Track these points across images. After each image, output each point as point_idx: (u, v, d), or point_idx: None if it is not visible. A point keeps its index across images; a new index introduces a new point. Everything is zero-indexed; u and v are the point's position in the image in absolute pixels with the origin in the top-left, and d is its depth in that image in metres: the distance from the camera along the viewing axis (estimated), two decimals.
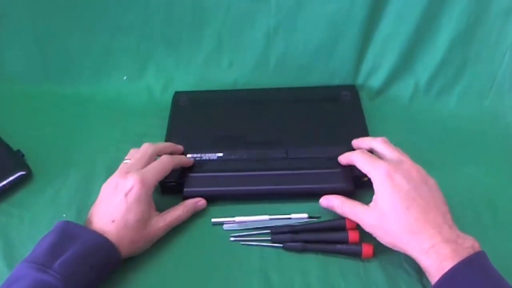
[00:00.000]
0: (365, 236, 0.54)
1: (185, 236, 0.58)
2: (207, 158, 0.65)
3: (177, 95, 0.76)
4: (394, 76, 0.75)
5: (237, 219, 0.59)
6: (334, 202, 0.56)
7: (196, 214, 0.60)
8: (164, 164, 0.58)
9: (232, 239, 0.57)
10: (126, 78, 0.80)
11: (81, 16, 0.74)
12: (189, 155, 0.65)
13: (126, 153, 0.62)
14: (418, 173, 0.52)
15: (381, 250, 0.54)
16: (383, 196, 0.51)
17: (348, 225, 0.56)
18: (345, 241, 0.55)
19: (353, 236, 0.55)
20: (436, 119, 0.73)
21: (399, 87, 0.76)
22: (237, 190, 0.61)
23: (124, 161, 0.59)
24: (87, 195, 0.62)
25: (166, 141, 0.67)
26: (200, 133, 0.69)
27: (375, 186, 0.52)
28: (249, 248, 0.56)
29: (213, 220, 0.59)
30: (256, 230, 0.58)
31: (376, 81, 0.76)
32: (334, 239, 0.56)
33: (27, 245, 0.56)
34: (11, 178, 0.63)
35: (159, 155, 0.60)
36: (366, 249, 0.54)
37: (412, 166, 0.53)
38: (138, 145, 0.62)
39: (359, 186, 0.59)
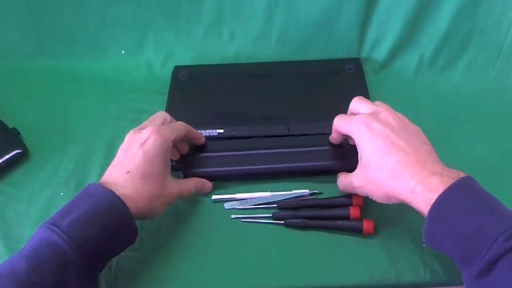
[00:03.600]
0: (368, 213, 0.54)
1: (185, 213, 0.58)
2: (208, 134, 0.64)
3: (177, 69, 0.74)
4: (399, 48, 0.74)
5: (238, 195, 0.58)
6: (337, 181, 0.57)
7: None
8: (179, 125, 0.56)
9: (233, 216, 0.57)
10: (124, 52, 0.78)
11: None
12: None
13: (124, 129, 0.60)
14: (397, 118, 0.50)
15: (382, 226, 0.54)
16: (364, 148, 0.49)
17: (354, 202, 0.56)
18: (346, 217, 0.55)
19: (354, 212, 0.55)
20: (441, 93, 0.71)
21: (403, 60, 0.74)
22: (237, 170, 0.60)
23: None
24: (86, 172, 0.62)
25: None
26: (200, 108, 0.68)
27: (356, 141, 0.51)
28: (250, 225, 0.56)
29: (214, 197, 0.59)
30: (257, 205, 0.58)
31: (380, 54, 0.75)
32: (335, 215, 0.55)
33: (24, 224, 0.57)
34: (6, 157, 0.62)
35: None
36: (367, 225, 0.54)
37: (389, 113, 0.51)
38: (137, 121, 0.59)
39: None
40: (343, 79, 0.71)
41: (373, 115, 0.51)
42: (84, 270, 0.43)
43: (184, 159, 0.60)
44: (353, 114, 0.55)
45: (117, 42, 0.77)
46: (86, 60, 0.77)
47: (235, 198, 0.58)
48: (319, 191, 0.58)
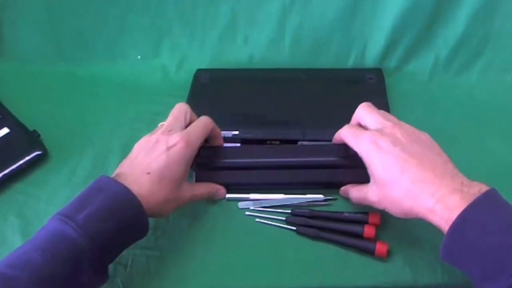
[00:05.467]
0: (384, 234, 0.53)
1: (200, 211, 0.58)
2: (223, 135, 0.63)
3: (199, 72, 0.75)
4: (414, 51, 0.73)
5: (252, 196, 0.59)
6: (345, 190, 0.56)
7: None
8: (206, 124, 0.56)
9: (247, 213, 0.57)
10: (140, 57, 0.80)
11: None
12: None
13: (140, 131, 0.61)
14: (405, 133, 0.48)
15: (398, 248, 0.52)
16: (375, 167, 0.48)
17: (371, 220, 0.54)
18: (360, 235, 0.53)
19: (369, 231, 0.53)
20: (457, 96, 0.71)
21: (418, 63, 0.74)
22: (249, 183, 0.59)
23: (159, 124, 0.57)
24: (103, 173, 0.61)
25: None
26: (218, 110, 0.67)
27: (364, 159, 0.49)
28: (264, 225, 0.56)
29: (228, 195, 0.59)
30: (271, 208, 0.58)
31: (394, 56, 0.74)
32: (348, 231, 0.54)
33: (43, 223, 0.56)
34: (27, 158, 0.63)
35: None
36: (380, 247, 0.51)
37: (396, 127, 0.49)
38: (152, 123, 0.61)
39: None
40: (363, 89, 0.71)
41: (380, 131, 0.49)
42: (97, 263, 0.44)
43: (199, 163, 0.59)
44: (359, 124, 0.54)
45: (134, 47, 0.79)
46: (104, 65, 0.79)
47: (249, 198, 0.58)
48: (333, 197, 0.58)
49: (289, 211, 0.57)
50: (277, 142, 0.64)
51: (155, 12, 0.75)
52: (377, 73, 0.73)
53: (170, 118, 0.55)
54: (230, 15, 0.74)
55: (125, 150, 0.62)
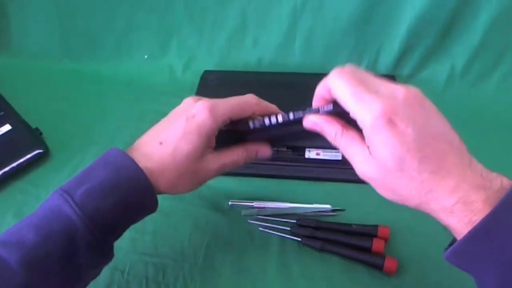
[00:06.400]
0: (393, 249, 0.52)
1: (202, 219, 0.57)
2: None
3: (206, 73, 0.75)
4: (428, 58, 0.72)
5: (256, 203, 0.57)
6: (329, 130, 0.42)
7: (214, 194, 0.58)
8: (244, 100, 0.48)
9: (250, 221, 0.56)
10: (147, 57, 0.79)
11: None
12: None
13: (144, 131, 0.60)
14: (424, 113, 0.38)
15: (408, 264, 0.50)
16: (383, 149, 0.37)
17: (380, 233, 0.52)
18: (368, 249, 0.51)
19: (377, 245, 0.51)
20: (473, 106, 0.69)
21: (433, 71, 0.72)
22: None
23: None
24: None
25: None
26: None
27: (366, 133, 0.38)
28: (268, 234, 0.55)
29: (231, 202, 0.57)
30: (276, 217, 0.56)
31: (408, 63, 0.73)
32: (356, 245, 0.52)
33: None
34: (28, 156, 0.63)
35: None
36: (389, 263, 0.50)
37: (409, 95, 0.38)
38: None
39: None
40: None
41: (392, 100, 0.37)
42: (97, 244, 0.40)
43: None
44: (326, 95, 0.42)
45: (141, 46, 0.78)
46: (110, 63, 0.78)
47: (253, 205, 0.57)
48: (341, 208, 0.56)
49: (294, 220, 0.55)
50: (285, 148, 0.63)
51: (164, 10, 0.74)
52: (390, 79, 0.71)
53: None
54: (240, 17, 0.73)
55: None
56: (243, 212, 0.56)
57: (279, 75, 0.75)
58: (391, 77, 0.73)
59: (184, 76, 0.76)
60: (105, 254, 0.42)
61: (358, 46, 0.72)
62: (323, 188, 0.59)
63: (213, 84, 0.73)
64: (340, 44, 0.72)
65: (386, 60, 0.73)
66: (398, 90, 0.38)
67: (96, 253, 0.41)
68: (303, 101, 0.67)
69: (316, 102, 0.43)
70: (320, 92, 0.42)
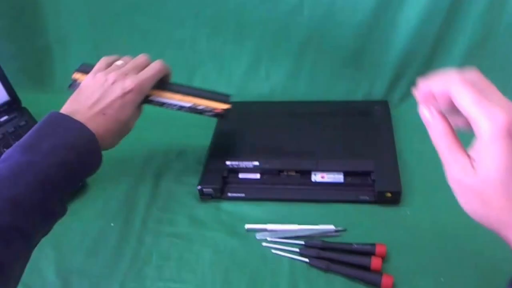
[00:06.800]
0: (390, 266, 0.56)
1: (220, 241, 0.62)
2: (244, 166, 0.69)
3: None
4: (416, 84, 0.76)
5: (269, 227, 0.63)
6: (432, 122, 0.41)
7: (232, 218, 0.64)
8: (160, 70, 0.62)
9: (264, 244, 0.61)
10: None
11: (137, 28, 0.81)
12: (228, 162, 0.69)
13: (171, 161, 0.71)
14: None
15: (404, 281, 0.54)
16: (494, 158, 0.35)
17: (377, 251, 0.57)
18: (367, 267, 0.56)
19: (375, 263, 0.55)
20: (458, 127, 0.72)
21: None
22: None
23: (115, 64, 0.63)
24: (135, 203, 0.67)
25: (210, 149, 0.73)
26: (241, 141, 0.75)
27: (482, 138, 0.36)
28: (280, 256, 0.59)
29: (247, 226, 0.63)
30: (286, 239, 0.61)
31: (399, 89, 0.79)
32: (356, 263, 0.57)
33: (77, 256, 0.62)
34: None
35: None
36: (386, 280, 0.54)
37: None
38: (182, 154, 0.71)
39: (382, 201, 0.63)
40: (371, 120, 0.75)
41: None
42: (60, 192, 0.49)
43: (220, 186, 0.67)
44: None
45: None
46: None
47: (266, 229, 0.63)
48: (343, 228, 0.61)
49: (303, 242, 0.61)
50: (293, 173, 0.69)
51: (190, 48, 0.82)
52: (384, 105, 0.78)
53: (130, 63, 0.62)
54: (255, 52, 0.80)
55: (157, 179, 0.69)
56: (257, 235, 0.62)
57: (288, 104, 0.81)
58: (385, 102, 0.78)
59: None
60: (63, 205, 0.51)
61: (355, 75, 0.79)
62: (327, 209, 0.64)
63: (231, 115, 0.78)
64: (340, 74, 0.79)
65: (379, 87, 0.79)
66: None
67: (60, 202, 0.50)
68: (308, 125, 0.76)
69: (422, 96, 0.41)
70: (436, 89, 0.40)
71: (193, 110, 0.66)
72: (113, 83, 0.58)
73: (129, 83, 0.58)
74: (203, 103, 0.66)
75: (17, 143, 0.50)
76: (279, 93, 0.82)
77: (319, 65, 0.78)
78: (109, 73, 0.59)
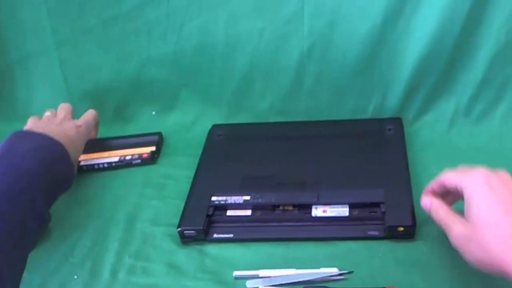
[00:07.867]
0: None
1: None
2: (233, 201, 0.63)
3: (214, 128, 0.77)
4: (433, 98, 0.73)
5: (261, 273, 0.56)
6: (431, 205, 0.52)
7: (218, 265, 0.58)
8: (94, 116, 0.75)
9: None
10: (154, 113, 0.82)
11: (113, 45, 0.77)
12: (214, 198, 0.63)
13: (149, 198, 0.68)
14: (504, 179, 0.48)
15: None
16: (478, 204, 0.46)
17: None
18: None
19: None
20: (479, 144, 0.70)
21: (438, 110, 0.74)
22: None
23: (46, 114, 0.71)
24: (103, 251, 0.61)
25: (193, 182, 0.68)
26: (229, 172, 0.68)
27: (467, 194, 0.47)
28: None
29: (236, 273, 0.56)
30: (283, 287, 0.54)
31: (414, 105, 0.74)
32: None
33: None
34: None
35: None
36: None
37: (506, 175, 0.48)
38: (162, 188, 0.69)
39: (393, 237, 0.58)
40: (381, 140, 0.70)
41: (493, 171, 0.48)
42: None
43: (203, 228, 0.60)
44: (446, 189, 0.52)
45: (149, 102, 0.81)
46: (115, 126, 0.81)
47: (258, 275, 0.56)
48: (349, 270, 0.55)
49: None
50: (290, 208, 0.62)
51: (172, 64, 0.77)
52: (397, 122, 0.73)
53: (61, 110, 0.72)
54: (248, 66, 0.75)
55: (130, 221, 0.65)
56: (248, 284, 0.55)
57: (286, 125, 0.76)
58: (398, 119, 0.73)
59: (194, 132, 0.78)
60: (44, 217, 0.58)
61: (364, 91, 0.74)
62: (330, 249, 0.58)
63: (220, 140, 0.74)
64: (346, 89, 0.74)
65: (391, 103, 0.74)
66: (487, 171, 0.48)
67: (40, 214, 0.56)
68: (308, 150, 0.70)
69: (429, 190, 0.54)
70: (434, 186, 0.54)
71: (122, 162, 0.73)
72: (63, 119, 0.70)
73: (79, 121, 0.71)
74: (128, 153, 0.73)
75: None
76: (275, 113, 0.78)
77: (321, 79, 0.73)
78: (52, 117, 0.71)
